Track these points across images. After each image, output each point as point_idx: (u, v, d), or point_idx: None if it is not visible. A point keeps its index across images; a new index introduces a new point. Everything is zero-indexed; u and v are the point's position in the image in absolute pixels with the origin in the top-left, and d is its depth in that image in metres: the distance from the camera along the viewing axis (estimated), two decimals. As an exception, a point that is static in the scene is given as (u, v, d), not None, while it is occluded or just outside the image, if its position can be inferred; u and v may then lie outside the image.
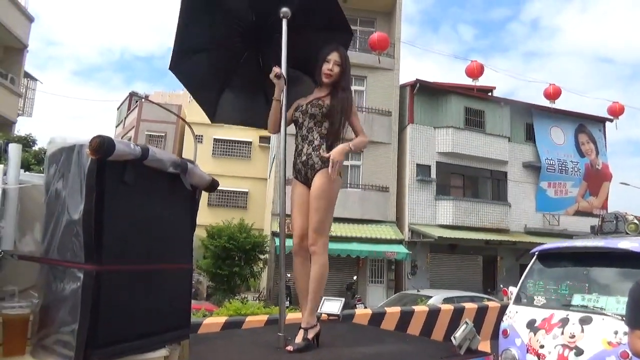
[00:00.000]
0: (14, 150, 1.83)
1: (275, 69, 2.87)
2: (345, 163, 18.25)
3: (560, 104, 19.82)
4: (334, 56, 2.93)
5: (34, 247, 1.80)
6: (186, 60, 2.92)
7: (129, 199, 1.62)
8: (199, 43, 2.96)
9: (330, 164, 2.73)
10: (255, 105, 3.33)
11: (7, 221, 1.72)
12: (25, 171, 2.03)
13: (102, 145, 1.48)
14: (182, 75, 2.95)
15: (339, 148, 2.80)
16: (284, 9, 2.93)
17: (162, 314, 1.77)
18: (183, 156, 2.08)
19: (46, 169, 1.72)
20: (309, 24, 3.05)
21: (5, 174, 1.77)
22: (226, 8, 2.96)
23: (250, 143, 25.65)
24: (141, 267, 1.67)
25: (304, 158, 2.89)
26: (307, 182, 2.89)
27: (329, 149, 2.85)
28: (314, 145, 2.88)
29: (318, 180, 2.83)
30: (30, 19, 16.87)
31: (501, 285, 14.63)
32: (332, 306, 3.84)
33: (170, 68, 2.89)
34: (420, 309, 5.52)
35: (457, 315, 5.49)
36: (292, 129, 2.97)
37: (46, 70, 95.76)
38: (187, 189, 1.89)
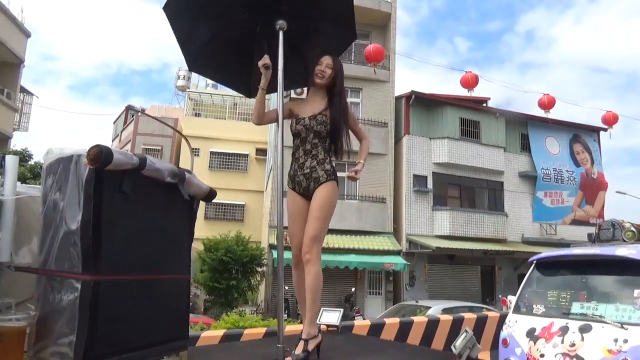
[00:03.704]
0: (11, 161, 1.83)
1: (265, 59, 2.85)
2: (342, 174, 18.25)
3: (555, 115, 19.94)
4: (326, 59, 2.96)
5: (31, 259, 1.79)
6: (181, 5, 2.85)
7: (127, 208, 1.62)
8: None
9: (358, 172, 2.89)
10: (236, 67, 3.27)
11: (3, 232, 1.71)
12: (22, 184, 2.03)
13: (100, 155, 1.48)
14: (172, 15, 2.87)
15: (361, 167, 2.94)
16: (280, 21, 2.93)
17: (160, 324, 1.75)
18: (180, 167, 2.07)
19: (43, 180, 1.72)
20: (319, 13, 3.02)
21: (1, 185, 1.76)
22: None
23: (247, 156, 25.64)
24: (139, 277, 1.66)
25: (307, 171, 2.89)
26: (307, 194, 2.89)
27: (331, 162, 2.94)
28: (318, 159, 2.89)
29: (322, 191, 2.84)
30: (27, 34, 16.94)
31: (500, 296, 14.59)
32: (330, 317, 3.82)
33: (164, 7, 2.82)
34: (420, 319, 5.48)
35: (456, 326, 5.45)
36: (287, 139, 2.93)
37: (43, 84, 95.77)
38: (185, 199, 1.89)
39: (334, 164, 2.95)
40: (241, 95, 3.54)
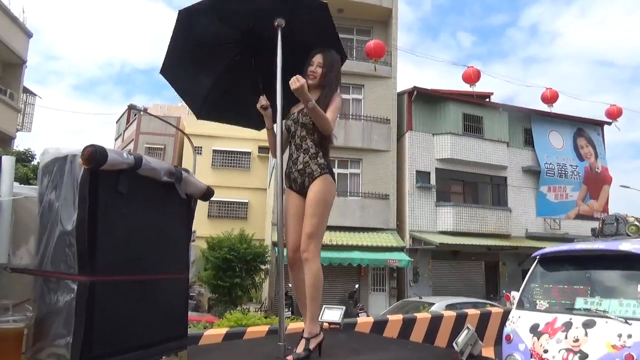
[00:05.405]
0: (7, 162, 1.82)
1: (261, 100, 2.94)
2: (345, 171, 18.31)
3: (559, 109, 19.89)
4: (317, 58, 2.95)
5: (29, 260, 1.78)
6: (176, 63, 2.90)
7: (123, 208, 1.61)
8: (193, 43, 2.93)
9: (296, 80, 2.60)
10: (243, 105, 3.31)
11: (0, 234, 1.71)
12: (20, 184, 2.02)
13: (94, 155, 1.47)
14: (170, 76, 2.93)
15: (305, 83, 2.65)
16: (279, 19, 2.94)
17: (158, 324, 1.74)
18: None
19: (39, 180, 1.71)
20: (303, 42, 3.04)
21: (-2, 186, 1.75)
22: (225, 13, 2.95)
23: (249, 153, 25.66)
24: (136, 277, 1.65)
25: (300, 166, 2.87)
26: (302, 191, 2.87)
27: (325, 156, 2.89)
28: (310, 154, 2.87)
29: (316, 186, 2.81)
30: (29, 35, 16.96)
31: (504, 291, 14.55)
32: (333, 314, 3.81)
33: (161, 71, 2.87)
34: (423, 316, 5.47)
35: (460, 322, 5.44)
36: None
37: (46, 84, 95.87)
38: (181, 198, 1.88)
39: (328, 159, 2.93)
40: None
